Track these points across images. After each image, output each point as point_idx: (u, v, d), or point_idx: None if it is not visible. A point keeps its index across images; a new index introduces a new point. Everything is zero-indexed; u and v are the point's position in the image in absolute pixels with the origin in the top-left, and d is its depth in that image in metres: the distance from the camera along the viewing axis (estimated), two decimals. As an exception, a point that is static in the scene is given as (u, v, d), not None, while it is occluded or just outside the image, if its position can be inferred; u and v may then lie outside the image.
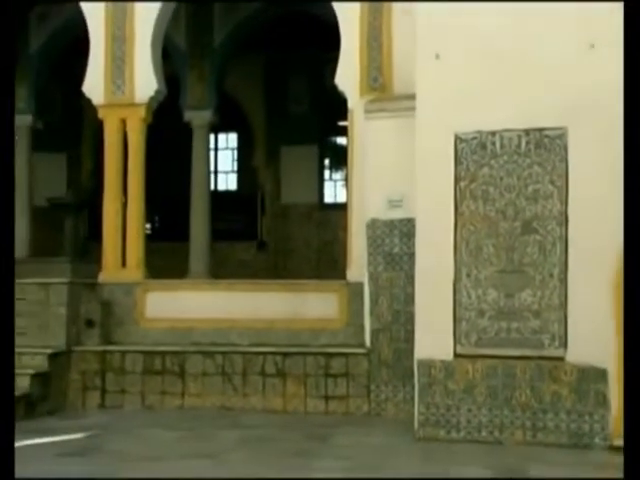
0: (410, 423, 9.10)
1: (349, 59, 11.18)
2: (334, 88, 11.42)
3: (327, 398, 10.66)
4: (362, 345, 10.60)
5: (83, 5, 11.84)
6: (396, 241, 10.31)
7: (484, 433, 8.68)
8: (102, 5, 11.70)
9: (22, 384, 10.42)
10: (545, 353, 8.57)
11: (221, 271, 14.92)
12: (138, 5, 11.65)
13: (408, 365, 9.56)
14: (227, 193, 19.65)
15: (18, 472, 7.33)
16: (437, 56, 9.04)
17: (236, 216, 18.81)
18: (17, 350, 10.66)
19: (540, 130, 8.69)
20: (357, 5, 11.11)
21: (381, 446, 8.74)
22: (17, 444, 8.72)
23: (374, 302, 10.42)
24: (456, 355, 8.80)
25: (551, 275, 8.58)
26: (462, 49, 8.99)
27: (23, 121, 16.01)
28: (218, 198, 17.45)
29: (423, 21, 9.25)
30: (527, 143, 8.74)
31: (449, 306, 8.83)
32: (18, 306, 11.39)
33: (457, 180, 8.89)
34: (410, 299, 9.59)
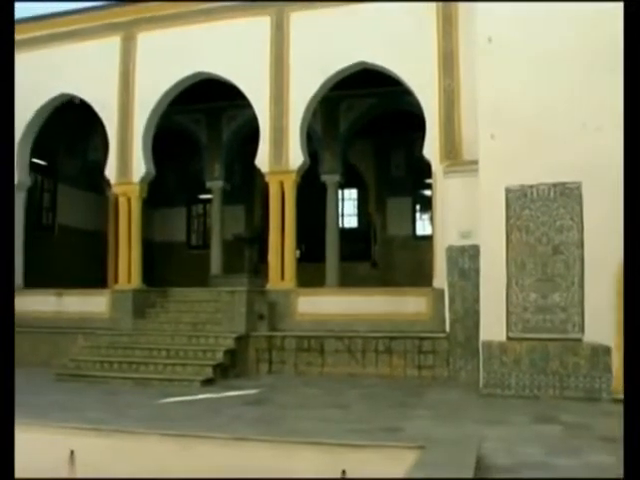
0: (476, 385, 9.21)
1: (432, 137, 11.15)
2: (422, 157, 11.39)
3: (420, 367, 10.64)
4: (443, 331, 10.54)
5: (256, 109, 12.13)
6: (466, 260, 10.23)
7: (527, 391, 8.74)
8: (267, 108, 11.98)
9: (218, 356, 10.86)
10: (569, 336, 8.63)
11: (347, 282, 14.78)
12: (290, 108, 11.89)
13: (475, 345, 9.58)
14: (350, 229, 19.07)
15: (218, 414, 7.74)
16: (492, 136, 9.17)
17: (357, 244, 18.36)
18: (215, 334, 11.39)
19: (563, 184, 8.75)
20: (436, 102, 11.11)
21: (457, 400, 8.82)
22: (217, 395, 9.19)
23: (451, 302, 10.35)
24: (508, 338, 8.87)
25: (573, 283, 8.64)
26: (508, 130, 9.10)
27: (217, 185, 16.39)
28: (344, 232, 17.21)
29: (482, 111, 9.36)
30: (554, 192, 8.80)
31: (503, 304, 8.89)
32: (216, 305, 12.14)
33: (507, 218, 8.99)
34: (476, 300, 9.59)
